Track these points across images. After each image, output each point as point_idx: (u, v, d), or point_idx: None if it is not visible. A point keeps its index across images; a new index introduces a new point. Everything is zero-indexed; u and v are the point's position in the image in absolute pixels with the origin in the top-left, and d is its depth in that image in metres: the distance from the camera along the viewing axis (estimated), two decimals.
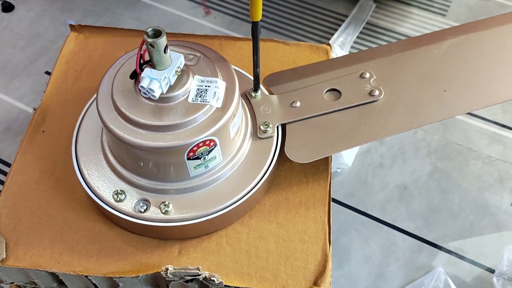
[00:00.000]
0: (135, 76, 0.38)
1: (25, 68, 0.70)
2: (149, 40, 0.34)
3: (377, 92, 0.46)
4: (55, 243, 0.41)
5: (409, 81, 0.47)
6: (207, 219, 0.39)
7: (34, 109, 0.49)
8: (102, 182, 0.40)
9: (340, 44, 0.66)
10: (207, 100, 0.37)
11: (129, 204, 0.39)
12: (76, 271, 0.39)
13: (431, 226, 0.56)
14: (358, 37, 0.71)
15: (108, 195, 0.39)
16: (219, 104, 0.38)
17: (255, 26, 0.38)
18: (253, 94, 0.45)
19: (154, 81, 0.35)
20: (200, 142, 0.36)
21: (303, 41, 0.73)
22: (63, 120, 0.49)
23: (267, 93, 0.47)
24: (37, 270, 0.39)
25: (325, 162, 0.45)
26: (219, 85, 0.38)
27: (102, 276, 0.39)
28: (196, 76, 0.39)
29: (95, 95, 0.47)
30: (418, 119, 0.44)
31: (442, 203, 0.58)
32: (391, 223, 0.56)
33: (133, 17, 0.76)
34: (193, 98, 0.37)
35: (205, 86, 0.38)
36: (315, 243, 0.41)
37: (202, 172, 0.39)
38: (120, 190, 0.39)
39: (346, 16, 0.75)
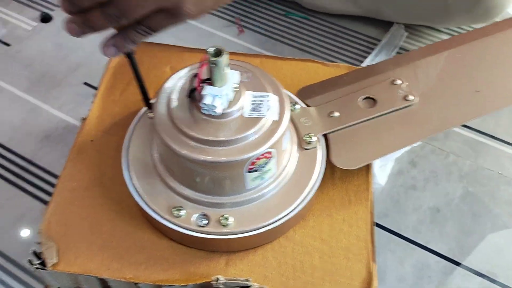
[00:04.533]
0: (192, 93, 0.39)
1: (64, 78, 0.72)
2: (212, 58, 0.35)
3: (411, 97, 0.47)
4: (104, 249, 0.42)
5: (439, 84, 0.49)
6: (261, 232, 0.40)
7: (83, 119, 0.51)
8: (156, 196, 0.41)
9: None
10: (263, 114, 0.39)
11: (188, 219, 0.40)
12: (126, 278, 0.40)
13: (464, 248, 0.56)
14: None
15: (163, 209, 0.40)
16: (275, 117, 0.39)
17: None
18: (292, 108, 0.46)
19: (217, 98, 0.37)
20: (260, 154, 0.37)
21: (335, 61, 0.74)
22: (111, 130, 0.50)
23: (304, 105, 0.48)
24: (87, 275, 0.40)
25: (366, 182, 0.46)
26: (271, 99, 0.40)
27: (152, 283, 0.39)
28: (249, 92, 0.40)
29: (143, 109, 0.49)
30: (452, 119, 0.47)
31: (474, 227, 0.58)
32: (424, 244, 0.57)
33: (170, 34, 0.78)
34: (249, 113, 0.39)
35: (259, 100, 0.40)
36: (359, 261, 0.42)
37: (258, 184, 0.40)
38: (179, 206, 0.40)
39: (377, 40, 0.77)
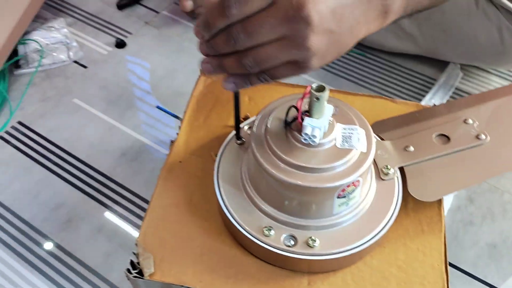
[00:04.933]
0: (292, 123, 0.43)
1: (138, 101, 0.77)
2: (316, 93, 0.39)
3: (483, 136, 0.50)
4: (196, 263, 0.45)
5: (510, 125, 0.52)
6: (344, 255, 0.42)
7: (172, 142, 0.55)
8: (246, 215, 0.45)
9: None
10: (354, 145, 0.42)
11: (277, 239, 0.43)
12: None
13: None
14: (447, 101, 0.76)
15: (254, 228, 0.44)
16: (364, 149, 0.42)
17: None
18: None
19: (316, 129, 0.40)
20: (351, 182, 0.41)
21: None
22: (197, 152, 0.54)
23: (379, 139, 0.52)
24: (182, 286, 0.44)
25: (439, 213, 0.49)
26: (359, 132, 0.43)
27: None
28: (339, 124, 0.44)
29: (230, 135, 0.53)
30: None
31: None
32: (483, 279, 0.59)
33: None
34: (341, 144, 0.42)
35: (349, 132, 0.43)
36: None
37: (342, 210, 0.44)
38: (269, 226, 0.43)
39: (432, 79, 0.80)
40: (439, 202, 0.49)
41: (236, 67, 0.38)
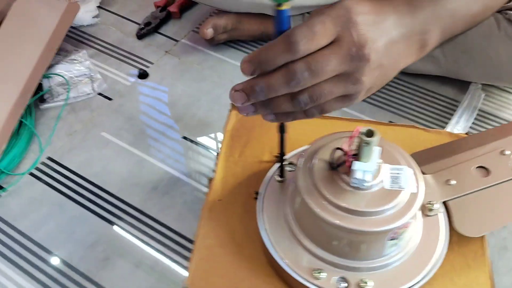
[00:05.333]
0: (336, 167, 0.43)
1: (164, 133, 0.78)
2: (366, 139, 0.40)
3: None
4: None
5: None
6: None
7: (209, 180, 0.56)
8: (295, 257, 0.45)
9: (460, 130, 0.71)
10: (402, 186, 0.43)
11: (328, 281, 0.43)
12: None
13: None
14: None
15: (303, 271, 0.44)
16: (414, 189, 0.43)
17: (281, 126, 0.45)
18: None
19: (367, 173, 0.41)
20: (403, 225, 0.41)
21: (416, 121, 0.78)
22: (235, 189, 0.55)
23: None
24: None
25: (482, 247, 0.49)
26: (407, 172, 0.44)
27: None
28: (386, 165, 0.44)
29: (270, 172, 0.53)
30: None
31: None
32: None
33: None
34: (390, 185, 0.43)
35: (396, 173, 0.44)
36: None
37: (392, 250, 0.44)
38: (319, 268, 0.44)
39: (455, 101, 0.81)
40: (482, 235, 0.50)
41: (288, 105, 0.37)
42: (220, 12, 0.86)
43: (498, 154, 0.52)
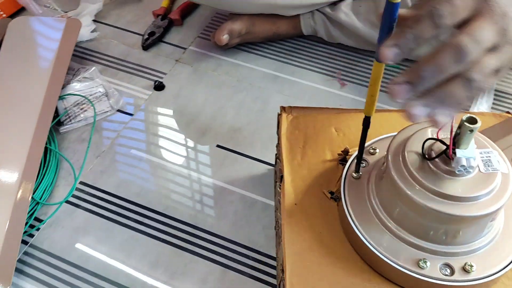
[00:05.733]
0: (434, 158, 0.44)
1: (196, 143, 0.76)
2: (471, 126, 0.41)
3: None
4: None
5: None
6: (498, 276, 0.44)
7: (280, 186, 0.55)
8: (394, 251, 0.46)
9: (485, 110, 0.75)
10: (497, 168, 0.44)
11: (434, 270, 0.44)
12: None
13: None
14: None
15: (408, 263, 0.45)
16: (505, 170, 0.44)
17: (366, 120, 0.45)
18: None
19: (471, 159, 0.42)
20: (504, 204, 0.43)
21: None
22: (308, 192, 0.54)
23: None
24: None
25: None
26: (494, 154, 0.45)
27: None
28: (476, 149, 0.46)
29: (344, 172, 0.53)
30: None
31: None
32: None
33: (277, 91, 0.84)
34: (484, 169, 0.44)
35: (486, 156, 0.45)
36: None
37: (489, 231, 0.45)
38: (423, 258, 0.45)
39: None
40: None
41: (460, 89, 0.34)
42: (233, 16, 0.85)
43: None
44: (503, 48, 0.36)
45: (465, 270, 0.44)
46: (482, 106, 0.77)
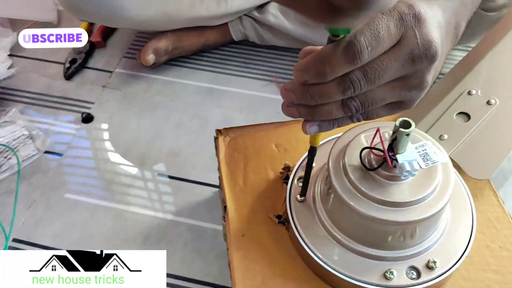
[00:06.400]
0: (376, 168, 0.42)
1: (135, 174, 0.71)
2: (406, 130, 0.38)
3: (492, 101, 0.55)
4: None
5: (504, 81, 0.57)
6: (458, 266, 0.44)
7: (224, 217, 0.52)
8: (356, 268, 0.44)
9: None
10: (435, 160, 0.42)
11: (402, 277, 0.43)
12: None
13: None
14: None
15: (375, 278, 0.43)
16: (443, 159, 0.43)
17: (312, 150, 0.44)
18: None
19: (414, 162, 0.40)
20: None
21: None
22: (253, 219, 0.51)
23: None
24: None
25: (502, 209, 0.51)
26: (428, 144, 0.44)
27: None
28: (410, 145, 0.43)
29: (288, 190, 0.50)
30: None
31: None
32: None
33: (215, 105, 0.80)
34: (425, 164, 0.42)
35: (423, 150, 0.43)
36: None
37: (442, 220, 0.45)
38: (389, 269, 0.43)
39: None
40: (497, 197, 0.52)
41: (338, 112, 0.35)
42: (157, 34, 0.80)
43: (467, 96, 0.55)
44: (415, 79, 0.34)
45: (429, 267, 0.44)
46: None
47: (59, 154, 0.74)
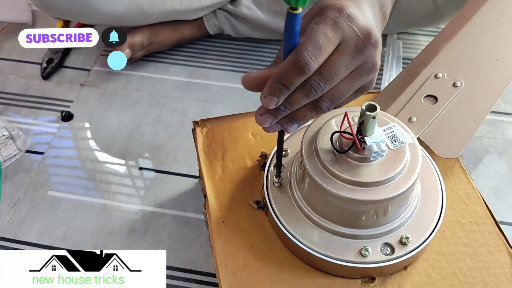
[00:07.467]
0: (346, 150, 0.43)
1: (117, 169, 0.72)
2: (372, 113, 0.40)
3: (458, 83, 0.57)
4: None
5: (469, 64, 0.59)
6: (430, 240, 0.46)
7: (204, 205, 0.53)
8: (335, 248, 0.46)
9: None
10: (403, 141, 0.45)
11: (376, 253, 0.45)
12: None
13: None
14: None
15: (351, 255, 0.45)
16: (410, 140, 0.45)
17: (281, 131, 0.45)
18: None
19: (381, 143, 0.42)
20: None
21: None
22: (233, 206, 0.53)
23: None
24: None
25: (471, 186, 0.53)
26: (396, 126, 0.46)
27: None
28: (378, 128, 0.45)
29: (265, 177, 0.52)
30: (495, 89, 0.57)
31: None
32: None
33: (193, 98, 0.81)
34: (393, 145, 0.44)
35: (390, 132, 0.45)
36: (500, 251, 0.49)
37: (412, 198, 0.47)
38: (363, 246, 0.45)
39: None
40: (465, 174, 0.54)
41: (312, 113, 0.39)
42: (132, 29, 0.81)
43: (434, 79, 0.58)
44: (368, 65, 0.38)
45: (402, 243, 0.46)
46: (392, 77, 0.78)
47: (41, 153, 0.74)
